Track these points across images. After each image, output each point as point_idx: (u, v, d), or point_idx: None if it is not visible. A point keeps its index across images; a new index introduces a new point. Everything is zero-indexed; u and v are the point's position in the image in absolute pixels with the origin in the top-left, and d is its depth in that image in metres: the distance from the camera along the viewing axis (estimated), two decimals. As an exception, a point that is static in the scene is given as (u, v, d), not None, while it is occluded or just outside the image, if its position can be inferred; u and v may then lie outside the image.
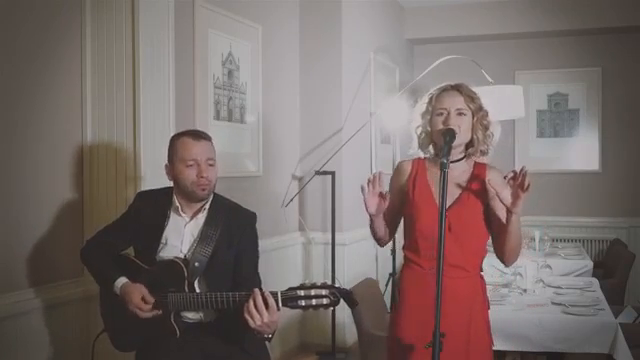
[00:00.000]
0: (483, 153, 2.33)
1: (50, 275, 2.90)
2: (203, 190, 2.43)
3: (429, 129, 2.31)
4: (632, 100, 6.45)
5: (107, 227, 2.61)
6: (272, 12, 4.70)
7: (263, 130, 4.56)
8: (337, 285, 2.18)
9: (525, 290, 3.49)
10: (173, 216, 2.50)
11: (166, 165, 2.51)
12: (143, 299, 2.35)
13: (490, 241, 2.38)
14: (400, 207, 2.40)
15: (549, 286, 3.64)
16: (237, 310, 2.21)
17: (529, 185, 2.10)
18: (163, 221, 2.49)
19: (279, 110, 4.82)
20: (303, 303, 2.15)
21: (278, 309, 2.17)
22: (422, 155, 2.40)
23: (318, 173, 4.81)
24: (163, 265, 2.42)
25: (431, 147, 2.36)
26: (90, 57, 3.10)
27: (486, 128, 2.30)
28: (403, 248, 2.42)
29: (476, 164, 2.36)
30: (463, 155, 2.30)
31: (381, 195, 2.25)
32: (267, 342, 2.33)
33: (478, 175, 2.32)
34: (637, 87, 6.43)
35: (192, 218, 2.49)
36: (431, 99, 2.31)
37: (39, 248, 2.86)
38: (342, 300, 2.18)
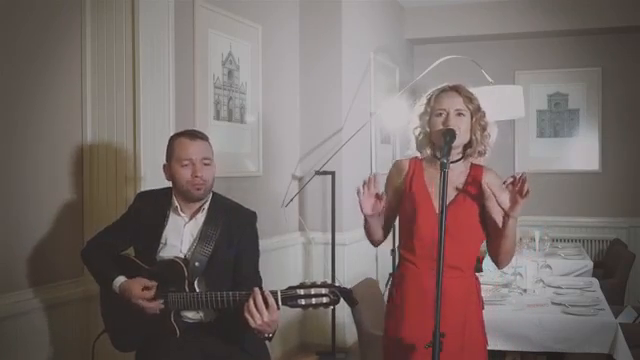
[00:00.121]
0: (481, 154, 2.33)
1: (50, 275, 2.90)
2: (198, 190, 2.43)
3: (428, 130, 2.31)
4: (632, 100, 6.45)
5: (107, 228, 2.62)
6: (272, 12, 4.70)
7: (263, 130, 4.56)
8: (337, 284, 2.18)
9: (525, 290, 3.49)
10: (172, 216, 2.50)
11: (164, 165, 2.52)
12: (145, 287, 2.35)
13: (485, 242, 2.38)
14: (396, 206, 2.40)
15: (549, 286, 3.64)
16: (237, 310, 2.21)
17: (528, 191, 2.10)
18: (163, 221, 2.49)
19: (279, 110, 4.82)
20: (303, 302, 2.15)
21: (278, 308, 2.17)
22: (419, 155, 2.40)
23: (318, 173, 4.81)
24: (163, 265, 2.43)
25: (428, 148, 2.36)
26: (90, 57, 3.10)
27: (484, 129, 2.30)
28: (398, 247, 2.43)
29: (473, 166, 2.36)
30: (461, 156, 2.30)
31: (377, 196, 2.25)
32: (267, 341, 2.33)
33: (475, 176, 2.32)
34: (637, 87, 6.43)
35: (191, 218, 2.49)
36: (429, 100, 2.31)
37: (39, 248, 2.86)
38: (342, 299, 2.18)
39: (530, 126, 6.70)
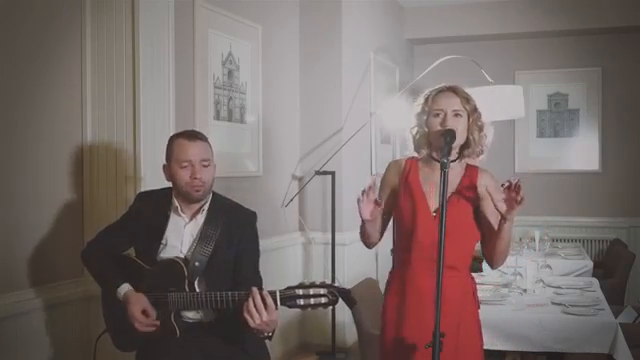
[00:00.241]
0: (478, 154, 2.34)
1: (50, 275, 2.90)
2: (197, 191, 2.43)
3: (425, 130, 2.31)
4: (632, 100, 6.45)
5: (107, 228, 2.62)
6: (272, 12, 4.70)
7: (263, 130, 4.56)
8: (336, 284, 2.18)
9: (525, 290, 3.49)
10: (173, 216, 2.50)
11: (164, 166, 2.51)
12: (144, 312, 2.36)
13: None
14: (391, 206, 2.40)
15: (549, 286, 3.64)
16: (237, 310, 2.22)
17: (523, 198, 2.10)
18: (163, 222, 2.49)
19: (279, 110, 4.82)
20: (302, 302, 2.15)
21: (276, 308, 2.17)
22: (416, 155, 2.40)
23: (318, 173, 4.81)
24: (164, 265, 2.43)
25: (425, 148, 2.36)
26: (90, 57, 3.10)
27: (481, 129, 2.31)
28: (394, 247, 2.43)
29: (468, 166, 2.37)
30: (457, 156, 2.31)
31: (376, 202, 2.26)
32: (267, 340, 2.34)
33: (470, 177, 2.33)
34: (637, 87, 6.43)
35: (192, 218, 2.49)
36: (427, 100, 2.31)
37: (39, 248, 2.86)
38: (341, 299, 2.18)
39: (530, 126, 6.70)
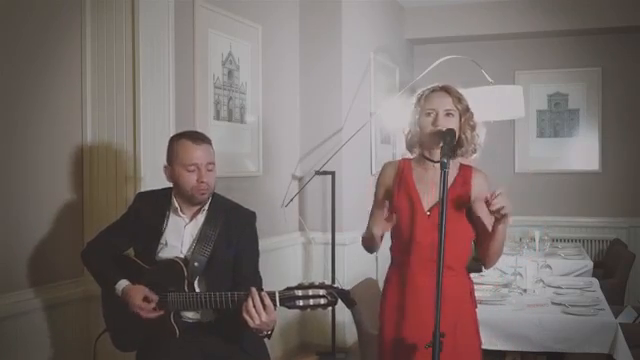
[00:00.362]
0: (470, 154, 2.34)
1: (50, 275, 2.90)
2: (203, 194, 2.44)
3: (417, 129, 2.32)
4: (632, 100, 6.45)
5: (107, 228, 2.61)
6: (272, 12, 4.70)
7: (263, 130, 4.56)
8: (335, 285, 2.18)
9: (525, 290, 3.49)
10: (172, 217, 2.50)
11: (165, 166, 2.50)
12: (146, 299, 2.36)
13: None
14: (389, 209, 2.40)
15: (549, 286, 3.64)
16: (236, 310, 2.22)
17: (503, 214, 2.08)
18: (163, 222, 2.49)
19: (279, 110, 4.82)
20: (301, 303, 2.15)
21: (275, 308, 2.17)
22: (410, 156, 2.41)
23: (318, 173, 4.81)
24: (163, 265, 2.43)
25: (417, 148, 2.37)
26: (90, 57, 3.10)
27: (473, 129, 2.33)
28: (390, 248, 2.43)
29: (462, 166, 2.38)
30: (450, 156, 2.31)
31: (387, 218, 2.25)
32: (267, 339, 2.34)
33: (464, 176, 2.34)
34: (637, 87, 6.43)
35: (192, 219, 2.49)
36: (419, 99, 2.33)
37: (39, 248, 2.86)
38: (340, 300, 2.18)
39: (530, 126, 6.70)
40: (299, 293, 2.15)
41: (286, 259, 4.85)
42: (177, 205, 2.48)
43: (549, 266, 3.87)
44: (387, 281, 2.44)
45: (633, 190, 6.43)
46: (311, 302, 2.14)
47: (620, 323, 3.06)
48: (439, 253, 1.95)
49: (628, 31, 6.26)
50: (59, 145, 2.99)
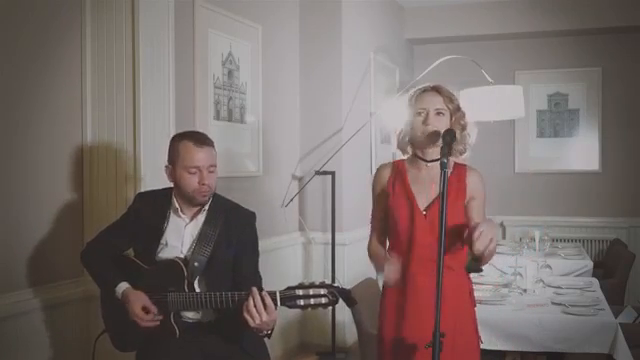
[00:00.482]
0: (461, 153, 2.35)
1: (50, 275, 2.90)
2: (204, 197, 2.44)
3: (409, 129, 2.33)
4: (632, 100, 6.45)
5: (107, 229, 2.61)
6: (272, 12, 4.70)
7: (263, 130, 4.56)
8: (336, 284, 2.18)
9: (525, 290, 3.49)
10: (173, 217, 2.50)
11: (166, 166, 2.50)
12: (144, 309, 2.36)
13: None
14: (387, 212, 2.40)
15: (549, 286, 3.64)
16: (236, 310, 2.22)
17: (481, 247, 2.04)
18: (163, 222, 2.49)
19: (279, 110, 4.82)
20: (302, 302, 2.15)
21: (276, 308, 2.17)
22: (403, 156, 2.41)
23: (318, 173, 4.81)
24: (163, 265, 2.43)
25: (409, 147, 2.37)
26: (90, 57, 3.10)
27: (464, 128, 2.33)
28: (388, 249, 2.44)
29: (456, 164, 2.38)
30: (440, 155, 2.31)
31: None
32: (267, 338, 2.34)
33: (458, 175, 2.34)
34: (637, 87, 6.43)
35: (192, 219, 2.49)
36: (411, 99, 2.35)
37: (39, 248, 2.86)
38: (341, 299, 2.18)
39: (530, 126, 6.70)
40: (300, 292, 2.15)
41: (286, 259, 4.85)
42: (177, 205, 2.48)
43: (549, 266, 3.87)
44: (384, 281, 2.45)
45: (633, 190, 6.43)
46: (312, 301, 2.14)
47: (620, 323, 3.06)
48: (439, 253, 1.94)
49: (628, 31, 6.26)
50: (59, 145, 2.99)
